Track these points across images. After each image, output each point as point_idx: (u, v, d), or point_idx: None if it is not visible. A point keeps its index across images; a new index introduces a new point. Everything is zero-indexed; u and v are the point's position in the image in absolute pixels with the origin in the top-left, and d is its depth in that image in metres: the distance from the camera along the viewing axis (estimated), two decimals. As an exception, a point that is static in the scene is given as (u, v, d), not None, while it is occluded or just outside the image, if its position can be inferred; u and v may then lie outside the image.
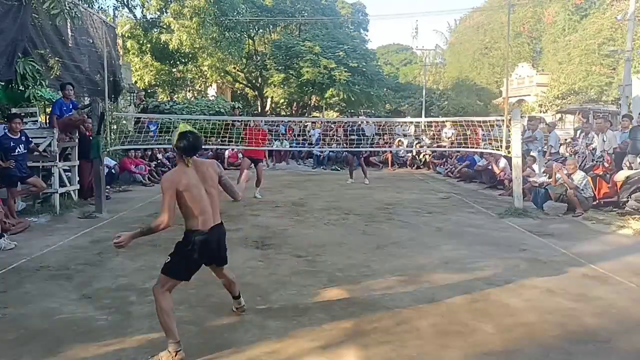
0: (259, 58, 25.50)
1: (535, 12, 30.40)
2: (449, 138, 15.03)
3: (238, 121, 14.75)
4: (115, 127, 9.22)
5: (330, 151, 15.34)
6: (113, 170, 10.25)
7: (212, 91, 26.30)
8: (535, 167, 9.48)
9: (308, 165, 15.68)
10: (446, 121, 15.34)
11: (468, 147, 10.78)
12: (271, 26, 25.48)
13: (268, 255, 5.16)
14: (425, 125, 17.15)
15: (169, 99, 19.67)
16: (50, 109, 8.14)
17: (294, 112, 26.71)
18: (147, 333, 3.25)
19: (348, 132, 12.31)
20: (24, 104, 8.43)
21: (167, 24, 18.26)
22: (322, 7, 26.19)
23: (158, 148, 12.28)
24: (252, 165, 9.37)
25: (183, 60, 20.73)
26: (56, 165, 7.49)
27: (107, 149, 8.07)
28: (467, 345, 3.08)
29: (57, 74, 8.32)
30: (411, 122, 18.08)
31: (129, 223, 6.75)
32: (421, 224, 6.85)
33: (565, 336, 3.23)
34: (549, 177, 8.30)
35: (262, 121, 11.46)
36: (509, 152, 7.98)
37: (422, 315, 3.56)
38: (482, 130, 10.83)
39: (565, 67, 25.38)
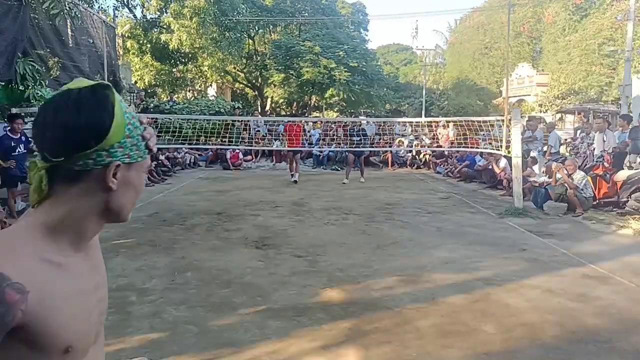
0: (259, 58, 25.47)
1: (535, 12, 30.37)
2: (443, 136, 15.09)
3: (238, 121, 14.82)
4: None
5: (330, 151, 15.34)
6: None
7: (212, 91, 26.29)
8: (535, 167, 9.49)
9: (308, 165, 15.67)
10: (439, 122, 15.43)
11: (468, 147, 10.79)
12: (271, 26, 25.44)
13: (268, 255, 5.16)
14: (425, 125, 17.16)
15: (169, 99, 19.66)
16: None
17: (294, 112, 26.69)
18: (147, 333, 3.26)
19: (349, 133, 12.35)
20: (23, 104, 8.42)
21: (167, 24, 18.25)
22: (322, 7, 26.16)
23: (159, 149, 12.30)
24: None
25: (183, 60, 20.72)
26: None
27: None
28: (468, 346, 3.08)
29: (57, 74, 8.31)
30: (411, 122, 18.07)
31: (129, 223, 6.74)
32: (421, 224, 6.85)
33: (565, 336, 3.23)
34: (549, 177, 8.31)
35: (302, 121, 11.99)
36: (509, 152, 7.99)
37: (422, 315, 3.56)
38: (482, 130, 10.83)
39: (565, 67, 25.36)
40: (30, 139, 7.08)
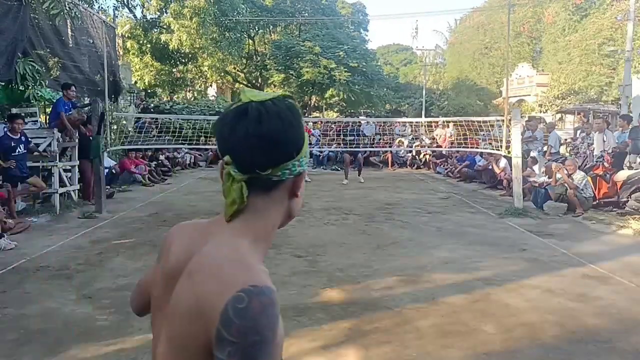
0: (259, 58, 25.46)
1: (535, 12, 30.36)
2: (440, 137, 15.08)
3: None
4: (115, 127, 9.23)
5: (330, 151, 15.34)
6: (113, 171, 10.25)
7: (212, 91, 26.29)
8: (535, 167, 9.49)
9: (308, 165, 15.66)
10: (437, 122, 15.45)
11: (468, 147, 10.78)
12: (271, 26, 25.44)
13: (268, 255, 5.13)
14: (425, 125, 17.16)
15: (169, 99, 19.66)
16: (55, 108, 8.10)
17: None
18: (147, 333, 3.25)
19: (347, 132, 12.35)
20: (23, 104, 8.43)
21: (167, 24, 18.25)
22: (322, 7, 26.15)
23: (159, 149, 12.28)
24: None
25: (183, 61, 20.72)
26: (56, 165, 7.49)
27: (108, 149, 8.07)
28: (468, 346, 3.08)
29: (57, 74, 8.32)
30: (411, 123, 18.07)
31: (129, 223, 6.76)
32: (421, 224, 6.85)
33: (565, 336, 3.23)
34: (549, 177, 8.30)
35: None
36: (509, 152, 7.99)
37: (422, 315, 3.56)
38: (482, 130, 10.82)
39: (565, 67, 25.35)
40: (29, 139, 7.08)
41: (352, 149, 11.70)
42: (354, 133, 11.97)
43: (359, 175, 11.68)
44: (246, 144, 0.81)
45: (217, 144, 0.85)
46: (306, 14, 25.66)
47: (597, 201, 7.73)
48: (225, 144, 0.83)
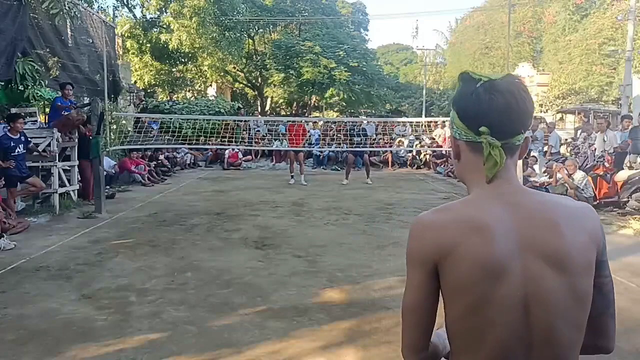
0: (259, 58, 25.43)
1: (535, 12, 30.34)
2: (440, 136, 15.07)
3: (240, 121, 14.82)
4: (114, 127, 9.23)
5: (330, 151, 15.32)
6: (113, 171, 10.23)
7: (211, 91, 26.25)
8: (535, 167, 9.48)
9: (308, 165, 15.63)
10: (437, 122, 15.45)
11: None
12: (271, 26, 25.41)
13: (268, 255, 5.15)
14: (425, 125, 17.15)
15: (168, 98, 19.64)
16: (54, 104, 8.11)
17: (294, 112, 26.66)
18: (147, 333, 3.25)
19: (349, 133, 12.25)
20: (23, 104, 8.41)
21: (167, 23, 18.24)
22: (322, 6, 26.11)
23: (159, 148, 12.27)
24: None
25: (183, 60, 20.70)
26: (56, 165, 7.48)
27: (107, 149, 8.06)
28: (468, 346, 3.07)
29: (56, 74, 8.31)
30: (411, 123, 18.05)
31: (129, 223, 6.75)
32: (421, 223, 6.83)
33: (566, 336, 3.22)
34: (550, 177, 8.30)
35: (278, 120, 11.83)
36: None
37: (422, 315, 3.55)
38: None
39: (565, 67, 25.33)
40: (29, 139, 7.07)
41: (356, 149, 11.54)
42: (361, 133, 11.85)
43: (367, 177, 11.25)
44: (506, 115, 1.00)
45: (467, 119, 1.02)
46: (306, 14, 25.64)
47: (598, 201, 7.73)
48: (483, 118, 1.00)
